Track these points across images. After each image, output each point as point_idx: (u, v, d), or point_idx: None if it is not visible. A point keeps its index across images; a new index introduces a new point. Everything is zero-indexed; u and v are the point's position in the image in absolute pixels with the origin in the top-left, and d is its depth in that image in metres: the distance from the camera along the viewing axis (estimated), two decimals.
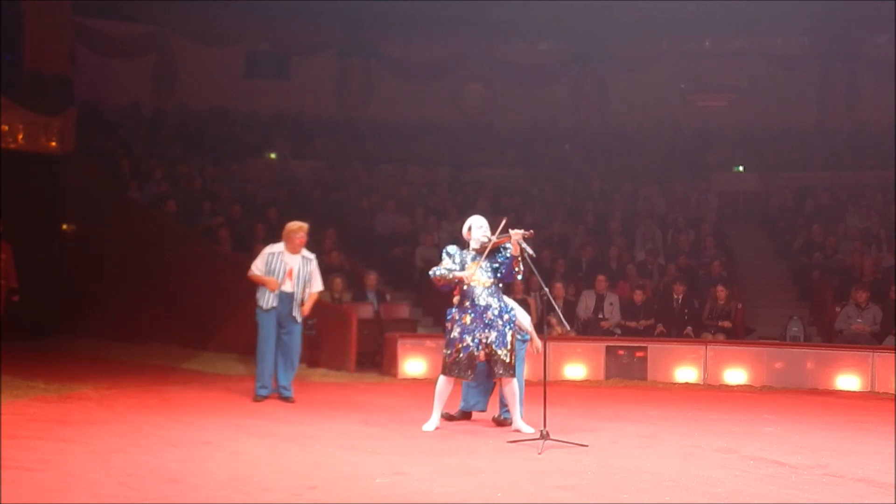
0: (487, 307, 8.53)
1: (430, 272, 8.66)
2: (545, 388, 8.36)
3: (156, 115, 20.64)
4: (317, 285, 10.40)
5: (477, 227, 8.71)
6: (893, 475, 6.92)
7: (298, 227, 10.23)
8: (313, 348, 13.54)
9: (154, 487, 6.19)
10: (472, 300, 8.52)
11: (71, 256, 17.11)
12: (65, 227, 17.38)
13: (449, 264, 8.59)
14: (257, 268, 10.24)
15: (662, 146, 22.03)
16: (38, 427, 8.23)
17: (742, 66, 22.48)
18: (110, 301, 16.06)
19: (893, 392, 11.94)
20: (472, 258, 8.60)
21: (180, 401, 10.16)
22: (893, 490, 6.52)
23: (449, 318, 8.61)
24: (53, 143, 16.74)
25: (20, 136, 16.41)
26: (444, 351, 8.62)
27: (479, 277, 8.56)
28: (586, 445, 7.88)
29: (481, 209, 18.31)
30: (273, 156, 20.44)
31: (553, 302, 8.86)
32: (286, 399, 10.23)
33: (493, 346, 8.46)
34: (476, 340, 8.45)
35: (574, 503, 6.12)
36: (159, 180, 17.43)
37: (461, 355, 8.43)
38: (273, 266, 10.16)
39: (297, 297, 10.21)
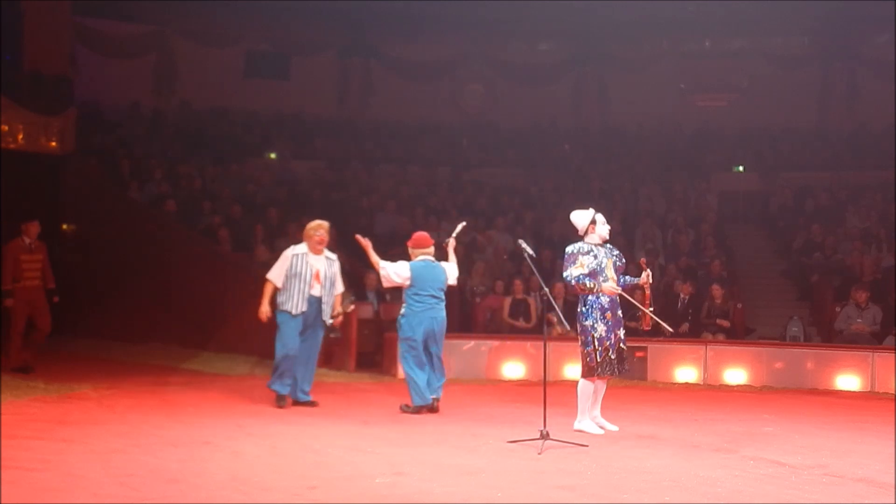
0: (618, 304, 8.70)
1: (572, 279, 8.54)
2: (545, 388, 8.36)
3: (156, 115, 20.64)
4: (339, 286, 10.05)
5: (602, 223, 8.77)
6: (893, 475, 6.92)
7: (317, 226, 9.82)
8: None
9: (154, 487, 6.19)
10: (610, 297, 8.60)
11: (71, 256, 17.11)
12: (65, 227, 17.38)
13: (589, 262, 8.54)
14: (275, 275, 9.73)
15: (662, 146, 22.02)
16: (38, 427, 8.23)
17: (742, 66, 22.48)
18: (110, 301, 16.06)
19: (893, 392, 11.94)
20: (605, 255, 8.66)
21: (180, 401, 10.16)
22: (893, 490, 6.52)
23: (589, 316, 8.51)
24: (53, 143, 16.75)
25: (20, 136, 16.42)
26: (594, 349, 8.49)
27: (612, 275, 8.66)
28: (586, 445, 7.88)
29: (481, 209, 18.53)
30: (273, 156, 20.44)
31: (553, 302, 8.88)
32: (309, 403, 9.90)
33: (622, 344, 8.67)
34: (616, 337, 8.59)
35: (574, 503, 6.12)
36: (159, 180, 17.43)
37: (611, 353, 8.52)
38: (299, 269, 9.69)
39: (325, 300, 9.82)
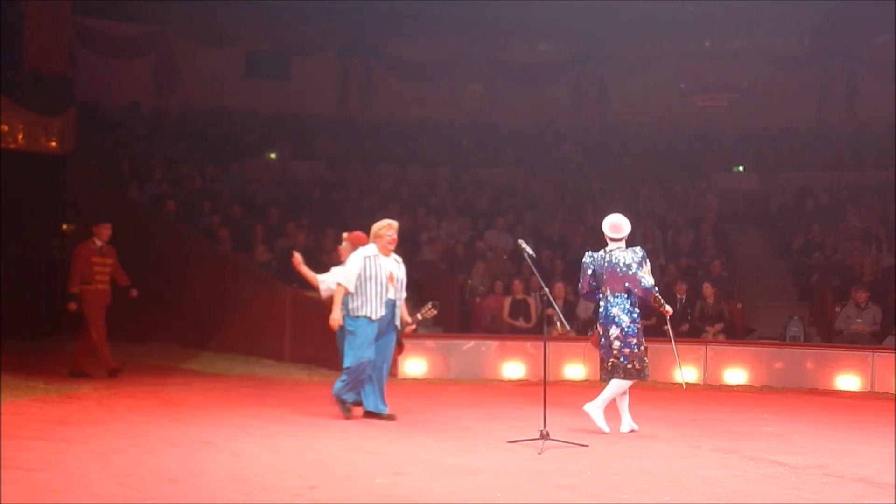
0: None
1: (655, 289, 8.78)
2: (545, 388, 8.36)
3: (156, 115, 20.64)
4: (403, 292, 9.38)
5: None
6: (893, 475, 6.92)
7: (388, 226, 9.20)
8: (314, 348, 13.60)
9: (154, 487, 6.19)
10: None
11: (71, 256, 17.07)
12: (65, 227, 17.38)
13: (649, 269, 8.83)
14: (347, 279, 9.06)
15: (662, 146, 22.03)
16: (38, 427, 8.23)
17: (742, 66, 22.48)
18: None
19: (893, 392, 11.94)
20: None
21: (180, 401, 10.16)
22: (893, 490, 6.52)
23: (639, 322, 8.85)
24: (53, 143, 16.74)
25: (20, 136, 16.40)
26: (642, 353, 8.85)
27: None
28: (586, 445, 7.88)
29: (481, 209, 18.53)
30: (273, 156, 20.44)
31: (553, 302, 8.87)
32: (388, 417, 9.17)
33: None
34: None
35: (574, 503, 6.12)
36: (159, 180, 17.44)
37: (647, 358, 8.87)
38: (373, 271, 9.03)
39: (398, 304, 9.22)
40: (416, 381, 12.45)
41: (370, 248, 9.18)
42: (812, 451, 7.96)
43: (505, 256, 16.47)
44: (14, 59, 16.89)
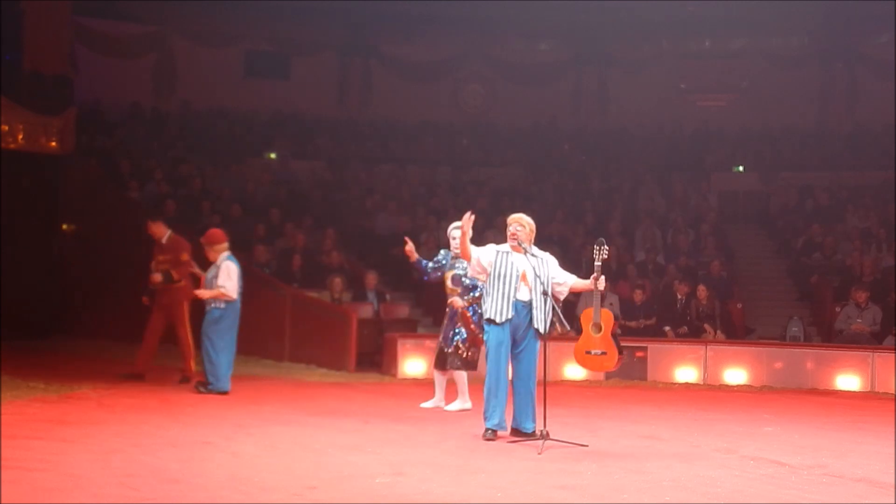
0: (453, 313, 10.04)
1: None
2: (545, 387, 8.36)
3: (156, 115, 20.64)
4: (566, 280, 8.45)
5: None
6: (893, 475, 6.92)
7: (510, 220, 8.40)
8: (314, 348, 13.60)
9: (154, 487, 6.18)
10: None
11: (71, 256, 17.10)
12: (65, 227, 17.38)
13: None
14: (477, 252, 8.34)
15: (662, 146, 22.03)
16: (38, 427, 8.22)
17: (742, 66, 22.48)
18: (110, 301, 16.05)
19: (893, 392, 11.95)
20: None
21: (180, 401, 10.16)
22: (893, 490, 6.52)
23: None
24: (53, 143, 16.74)
25: (20, 136, 16.40)
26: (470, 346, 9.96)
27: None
28: (586, 445, 7.88)
29: (481, 209, 18.51)
30: (273, 156, 20.44)
31: (553, 302, 8.86)
32: (531, 435, 8.14)
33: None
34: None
35: (574, 503, 6.13)
36: (159, 180, 17.43)
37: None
38: (501, 269, 8.23)
39: (536, 305, 8.24)
40: (416, 381, 12.45)
41: (504, 245, 8.42)
42: (812, 451, 7.97)
43: None
44: (14, 59, 16.89)
